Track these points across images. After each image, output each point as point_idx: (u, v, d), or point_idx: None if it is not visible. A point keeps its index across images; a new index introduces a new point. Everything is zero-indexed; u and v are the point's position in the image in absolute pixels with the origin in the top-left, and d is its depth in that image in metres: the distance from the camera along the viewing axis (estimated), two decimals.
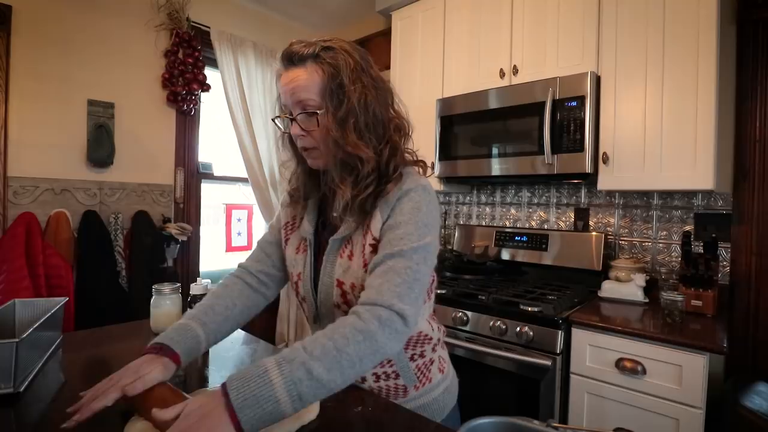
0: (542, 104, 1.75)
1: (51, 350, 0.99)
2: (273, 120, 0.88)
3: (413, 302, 0.70)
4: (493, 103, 1.94)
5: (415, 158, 0.86)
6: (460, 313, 1.68)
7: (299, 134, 0.80)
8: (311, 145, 0.81)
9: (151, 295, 1.18)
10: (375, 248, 0.78)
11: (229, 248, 2.82)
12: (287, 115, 0.81)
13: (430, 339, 0.88)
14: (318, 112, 0.77)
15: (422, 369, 0.86)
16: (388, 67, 2.48)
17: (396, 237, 0.74)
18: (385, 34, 2.59)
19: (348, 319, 0.67)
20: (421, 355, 0.86)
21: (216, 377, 0.92)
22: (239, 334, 1.23)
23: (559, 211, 2.18)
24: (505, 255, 2.18)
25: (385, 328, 0.66)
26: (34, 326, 0.86)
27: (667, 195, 1.86)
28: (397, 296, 0.69)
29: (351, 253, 0.81)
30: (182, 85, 2.33)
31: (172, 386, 0.71)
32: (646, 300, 1.68)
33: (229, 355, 1.06)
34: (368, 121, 0.78)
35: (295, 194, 0.91)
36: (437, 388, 0.89)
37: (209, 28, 2.47)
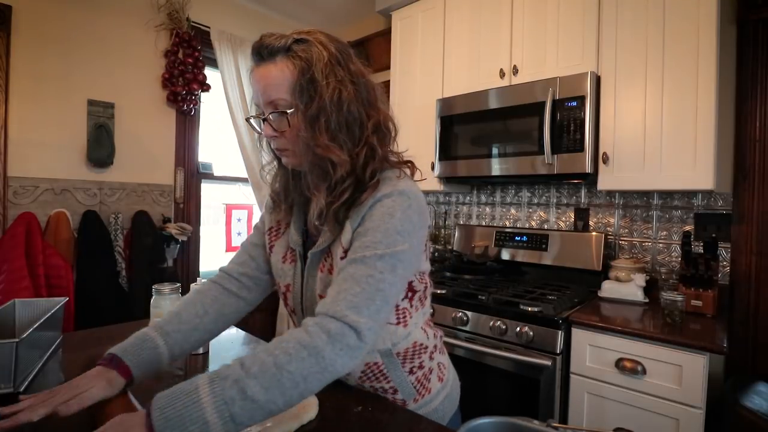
0: (542, 104, 1.75)
1: (51, 350, 0.99)
2: (247, 120, 0.82)
3: (372, 315, 0.63)
4: (493, 103, 1.94)
5: (400, 159, 0.79)
6: (460, 313, 1.68)
7: (271, 135, 0.74)
8: (284, 147, 0.75)
9: (151, 295, 1.17)
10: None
11: (229, 248, 2.82)
12: (260, 115, 0.75)
13: (426, 348, 0.84)
14: (288, 111, 0.71)
15: (422, 380, 0.83)
16: (388, 67, 2.48)
17: (362, 245, 0.68)
18: (385, 34, 2.59)
19: (293, 332, 0.61)
20: (420, 366, 0.82)
21: None
22: (239, 334, 1.23)
23: (559, 211, 2.18)
24: (505, 255, 2.18)
25: (334, 343, 0.59)
26: (34, 326, 0.86)
27: (667, 195, 1.86)
28: (354, 307, 0.62)
29: (331, 266, 0.75)
30: (182, 85, 2.33)
31: (129, 399, 0.67)
32: (646, 300, 1.68)
33: (229, 355, 1.06)
34: (341, 120, 0.71)
35: (277, 198, 0.85)
36: (437, 398, 0.85)
37: (209, 28, 2.47)
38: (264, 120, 0.74)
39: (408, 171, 0.79)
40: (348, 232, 0.72)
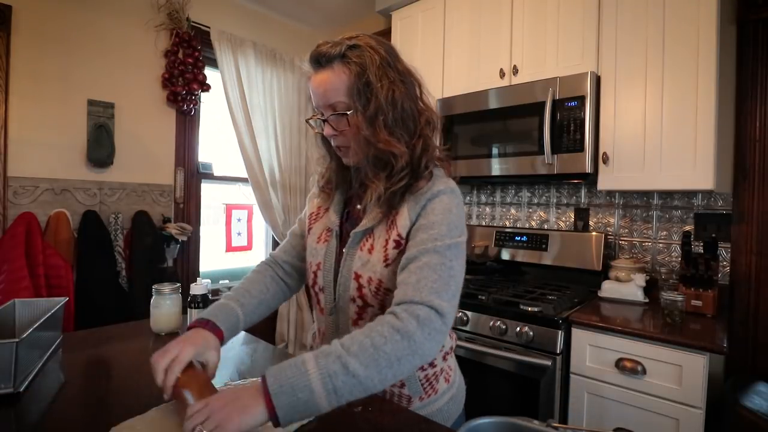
0: (542, 104, 1.75)
1: (51, 350, 0.99)
2: (306, 121, 0.90)
3: (450, 299, 0.70)
4: (493, 103, 1.94)
5: (442, 155, 0.85)
6: (460, 313, 1.68)
7: (331, 134, 0.81)
8: (344, 144, 0.82)
9: (151, 295, 1.18)
10: (398, 245, 0.78)
11: (229, 248, 2.82)
12: (319, 116, 0.83)
13: (442, 348, 0.86)
14: (348, 113, 0.77)
15: (430, 379, 0.84)
16: None
17: (429, 237, 0.74)
18: (385, 34, 2.59)
19: (386, 317, 0.66)
20: (432, 365, 0.84)
21: (216, 377, 0.91)
22: (239, 334, 1.23)
23: (559, 211, 2.18)
24: (505, 255, 2.18)
25: (423, 327, 0.64)
26: (34, 326, 0.86)
27: (667, 195, 1.86)
28: (435, 292, 0.68)
29: (371, 246, 0.80)
30: (182, 85, 2.33)
31: (207, 377, 0.73)
32: (646, 300, 1.68)
33: (229, 355, 1.06)
34: (397, 116, 0.77)
35: (327, 188, 0.92)
36: (442, 398, 0.87)
37: (209, 28, 2.47)
38: (324, 121, 0.81)
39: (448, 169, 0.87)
40: (405, 218, 0.77)
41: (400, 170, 0.78)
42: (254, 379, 0.81)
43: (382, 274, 0.78)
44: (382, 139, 0.76)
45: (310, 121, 0.88)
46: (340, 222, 0.88)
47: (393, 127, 0.77)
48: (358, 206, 0.85)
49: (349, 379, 0.59)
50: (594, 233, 1.96)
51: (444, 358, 0.88)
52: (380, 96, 0.75)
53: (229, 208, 2.82)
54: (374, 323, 0.66)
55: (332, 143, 0.84)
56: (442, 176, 0.82)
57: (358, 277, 0.80)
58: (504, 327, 1.56)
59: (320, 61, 0.78)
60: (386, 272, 0.78)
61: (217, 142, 2.72)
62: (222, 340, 0.80)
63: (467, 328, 1.66)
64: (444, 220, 0.75)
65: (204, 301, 1.05)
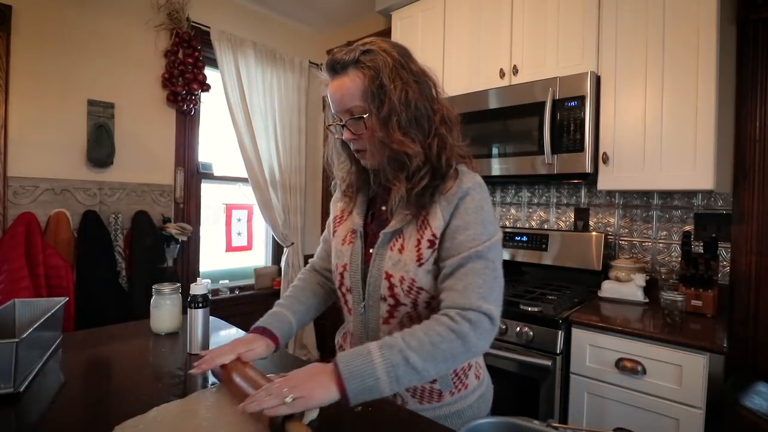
0: (542, 104, 1.75)
1: (51, 350, 0.99)
2: (327, 128, 0.92)
3: (496, 301, 0.74)
4: (493, 103, 1.94)
5: (464, 152, 0.86)
6: None
7: (350, 138, 0.84)
8: (362, 147, 0.84)
9: (151, 295, 1.17)
10: (432, 244, 0.79)
11: (229, 248, 2.82)
12: (339, 122, 0.85)
13: None
14: (364, 116, 0.79)
15: (460, 375, 0.86)
16: None
17: (468, 238, 0.76)
18: (385, 34, 2.59)
19: (442, 319, 0.71)
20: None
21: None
22: (239, 334, 1.23)
23: (559, 211, 2.18)
24: (505, 255, 2.18)
25: (476, 329, 0.70)
26: (34, 326, 0.86)
27: (667, 195, 1.86)
28: (482, 298, 0.72)
29: (402, 246, 0.81)
30: (182, 85, 2.33)
31: (260, 371, 0.79)
32: (646, 300, 1.68)
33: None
34: (410, 116, 0.78)
35: (349, 191, 0.95)
36: (472, 394, 0.87)
37: (209, 28, 2.47)
38: (343, 126, 0.84)
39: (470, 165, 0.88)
40: (439, 218, 0.79)
41: (417, 170, 0.79)
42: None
43: (416, 274, 0.79)
44: (395, 140, 0.77)
45: (332, 127, 0.90)
46: (364, 223, 0.90)
47: (407, 127, 0.78)
48: (383, 207, 0.87)
49: (409, 370, 0.66)
50: (594, 233, 1.96)
51: None
52: (393, 97, 0.77)
53: (229, 208, 2.83)
54: (431, 322, 0.71)
55: (351, 147, 0.87)
56: (467, 172, 0.83)
57: (389, 276, 0.81)
58: (504, 327, 1.56)
59: (335, 68, 0.81)
60: (419, 271, 0.79)
61: (217, 142, 2.72)
62: (278, 346, 0.88)
63: None
64: (478, 218, 0.78)
65: (204, 301, 1.05)
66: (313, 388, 0.64)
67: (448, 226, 0.79)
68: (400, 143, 0.77)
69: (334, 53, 0.82)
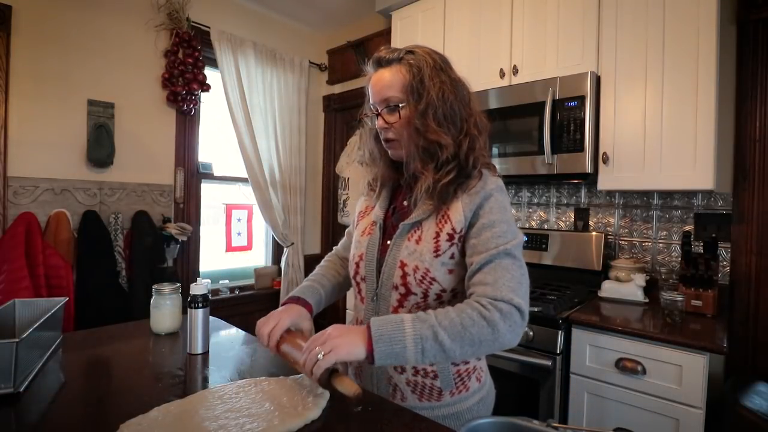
0: (542, 104, 1.75)
1: (51, 350, 0.99)
2: (359, 118, 0.97)
3: (524, 296, 0.76)
4: (493, 103, 1.94)
5: (489, 161, 0.90)
6: None
7: (383, 126, 0.88)
8: (393, 137, 0.88)
9: (151, 295, 1.17)
10: (452, 238, 0.82)
11: (229, 248, 2.82)
12: (374, 112, 0.90)
13: None
14: (400, 105, 0.85)
15: (462, 375, 0.87)
16: None
17: (494, 235, 0.79)
18: (385, 34, 2.59)
19: (474, 304, 0.74)
20: (465, 362, 0.88)
21: (216, 377, 0.92)
22: (239, 334, 1.23)
23: (559, 211, 2.18)
24: None
25: (506, 320, 0.72)
26: (34, 326, 0.86)
27: (667, 195, 1.86)
28: (513, 291, 0.74)
29: (419, 237, 0.84)
30: (182, 85, 2.33)
31: (305, 337, 0.84)
32: (646, 300, 1.68)
33: (229, 355, 1.06)
34: (447, 112, 0.84)
35: (374, 183, 0.99)
36: (472, 397, 0.88)
37: (209, 28, 2.47)
38: (378, 115, 0.89)
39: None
40: (460, 213, 0.82)
41: (447, 162, 0.83)
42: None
43: (431, 264, 0.82)
44: (430, 129, 0.82)
45: (365, 118, 0.96)
46: (385, 216, 0.95)
47: (442, 120, 0.83)
48: (405, 202, 0.92)
49: (436, 345, 0.69)
50: (594, 233, 1.96)
51: (478, 357, 0.90)
52: (432, 92, 0.83)
53: (229, 208, 2.83)
54: (463, 305, 0.74)
55: (382, 136, 0.90)
56: (491, 176, 0.87)
57: (403, 265, 0.84)
58: None
59: (381, 62, 0.88)
60: (435, 262, 0.82)
61: (217, 142, 2.72)
62: (311, 313, 0.95)
63: None
64: (503, 218, 0.81)
65: (204, 301, 1.05)
66: (343, 344, 0.69)
67: (472, 225, 0.81)
68: (435, 132, 0.82)
69: (381, 51, 0.89)
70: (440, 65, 0.86)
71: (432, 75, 0.84)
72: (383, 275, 0.87)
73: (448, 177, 0.82)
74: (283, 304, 0.94)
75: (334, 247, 1.16)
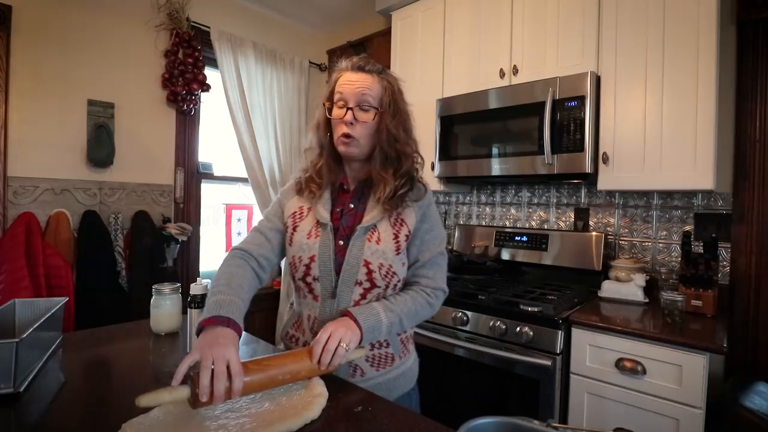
0: (542, 104, 1.75)
1: (51, 350, 0.99)
2: (324, 104, 1.00)
3: (446, 283, 1.06)
4: (493, 103, 1.94)
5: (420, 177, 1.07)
6: (460, 313, 1.68)
7: (350, 121, 0.94)
8: (354, 135, 0.94)
9: (151, 295, 1.18)
10: (407, 238, 0.98)
11: (229, 248, 2.81)
12: (344, 105, 0.94)
13: None
14: (379, 108, 0.95)
15: (404, 341, 1.05)
16: (387, 67, 2.46)
17: (434, 237, 1.02)
18: (385, 34, 2.59)
19: (423, 294, 1.00)
20: (404, 330, 1.03)
21: None
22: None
23: (559, 211, 2.18)
24: (505, 255, 2.18)
25: (438, 300, 1.03)
26: (34, 326, 0.86)
27: (667, 195, 1.86)
28: (443, 281, 1.04)
29: (379, 238, 0.95)
30: (182, 85, 2.33)
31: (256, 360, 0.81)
32: (646, 300, 1.68)
33: None
34: (408, 129, 1.00)
35: (313, 185, 1.01)
36: (409, 360, 1.06)
37: (209, 28, 2.47)
38: (349, 109, 0.94)
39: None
40: (413, 218, 0.99)
41: (405, 173, 0.98)
42: None
43: (393, 261, 0.95)
44: (401, 139, 0.96)
45: (326, 106, 0.99)
46: (331, 217, 0.98)
47: (405, 135, 0.98)
48: (351, 205, 1.00)
49: (399, 327, 0.95)
50: (594, 233, 1.96)
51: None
52: (401, 109, 0.98)
53: (229, 208, 2.83)
54: (416, 295, 0.99)
55: (341, 131, 0.94)
56: (427, 185, 1.06)
57: (368, 263, 0.93)
58: (504, 327, 1.56)
59: (363, 67, 0.97)
60: (396, 259, 0.96)
61: (217, 142, 2.72)
62: (239, 336, 0.83)
63: (467, 328, 1.66)
64: (438, 222, 1.05)
65: (204, 301, 1.05)
66: (350, 334, 0.86)
67: (418, 228, 0.99)
68: (404, 142, 0.97)
69: (359, 60, 0.98)
70: (401, 90, 1.01)
71: (400, 99, 0.99)
72: (344, 273, 0.94)
73: (405, 188, 0.97)
74: (209, 320, 0.79)
75: (239, 244, 1.02)
